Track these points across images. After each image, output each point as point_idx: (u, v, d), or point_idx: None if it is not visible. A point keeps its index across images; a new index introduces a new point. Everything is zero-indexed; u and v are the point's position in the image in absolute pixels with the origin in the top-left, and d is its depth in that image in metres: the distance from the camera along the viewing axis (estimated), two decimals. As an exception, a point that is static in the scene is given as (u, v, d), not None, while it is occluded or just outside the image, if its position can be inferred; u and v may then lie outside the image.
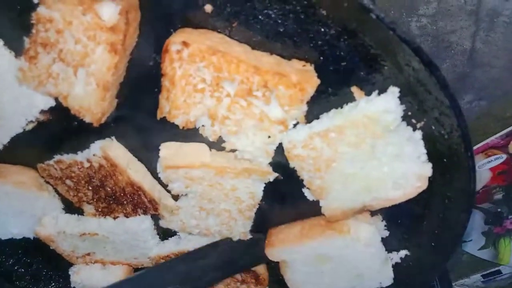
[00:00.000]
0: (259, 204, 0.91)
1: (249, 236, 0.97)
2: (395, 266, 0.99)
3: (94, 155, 0.86)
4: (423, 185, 0.79)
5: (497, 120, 1.52)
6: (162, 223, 0.98)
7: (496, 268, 1.51)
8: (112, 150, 0.85)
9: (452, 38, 1.29)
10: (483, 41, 1.28)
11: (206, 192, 0.87)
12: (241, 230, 0.95)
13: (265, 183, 0.87)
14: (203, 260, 0.98)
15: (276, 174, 0.85)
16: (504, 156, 1.47)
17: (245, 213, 0.91)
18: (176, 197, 0.93)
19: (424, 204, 0.89)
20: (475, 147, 1.38)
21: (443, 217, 0.87)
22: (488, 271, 1.55)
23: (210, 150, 0.85)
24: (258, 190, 0.87)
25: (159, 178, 0.89)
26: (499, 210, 1.44)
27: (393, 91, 0.71)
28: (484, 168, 1.53)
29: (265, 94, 0.72)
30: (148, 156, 0.90)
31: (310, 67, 0.73)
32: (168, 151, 0.85)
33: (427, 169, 0.77)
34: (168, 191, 0.91)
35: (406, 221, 0.94)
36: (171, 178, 0.86)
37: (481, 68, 1.35)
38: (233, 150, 0.81)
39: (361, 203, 0.84)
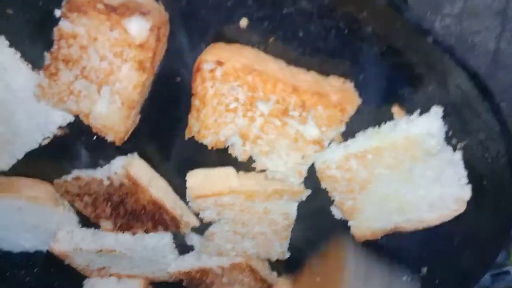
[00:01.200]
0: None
1: (288, 255, 0.94)
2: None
3: (115, 173, 0.81)
4: (460, 208, 0.76)
5: (517, 122, 1.49)
6: (199, 249, 0.95)
7: (505, 269, 1.49)
8: (134, 168, 0.81)
9: (476, 39, 1.24)
10: (509, 42, 1.23)
11: (239, 217, 0.84)
12: (278, 250, 0.92)
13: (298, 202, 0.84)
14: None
15: (309, 192, 0.81)
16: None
17: (281, 234, 0.87)
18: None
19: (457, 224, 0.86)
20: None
21: (475, 239, 0.84)
22: (496, 272, 1.53)
23: (238, 172, 0.81)
24: (292, 210, 0.84)
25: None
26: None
27: (437, 112, 0.68)
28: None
29: (302, 114, 0.68)
30: (170, 172, 0.86)
31: (350, 84, 0.69)
32: (195, 179, 0.81)
33: (467, 192, 0.74)
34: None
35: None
36: (201, 207, 0.83)
37: (504, 69, 1.30)
38: (264, 170, 0.77)
39: (393, 223, 0.81)
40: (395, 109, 0.71)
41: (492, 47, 1.27)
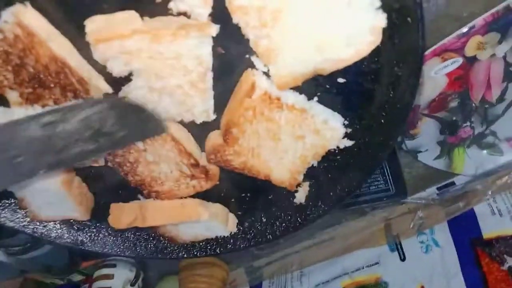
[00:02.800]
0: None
1: (213, 117, 0.90)
2: (344, 150, 0.97)
3: (5, 22, 0.75)
4: (376, 39, 0.73)
5: (455, 20, 1.48)
6: None
7: (450, 180, 1.53)
8: (27, 16, 0.74)
9: None
10: None
11: (150, 67, 0.79)
12: (201, 109, 0.87)
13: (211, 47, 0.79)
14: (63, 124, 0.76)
15: (217, 26, 0.76)
16: (461, 60, 1.43)
17: (199, 85, 0.83)
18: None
19: (373, 77, 0.85)
20: (431, 49, 1.34)
21: (393, 87, 0.83)
22: (442, 184, 1.57)
23: (143, 18, 0.76)
24: (205, 53, 0.79)
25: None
26: (454, 118, 1.44)
27: None
28: (441, 74, 1.51)
29: None
30: (74, 31, 0.80)
31: None
32: (96, 24, 0.75)
33: (381, 19, 0.71)
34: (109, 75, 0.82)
35: (355, 100, 0.90)
36: (106, 55, 0.76)
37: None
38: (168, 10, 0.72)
39: (312, 66, 0.78)
40: None
41: None
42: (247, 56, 0.83)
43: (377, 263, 1.56)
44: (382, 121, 0.89)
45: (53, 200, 1.04)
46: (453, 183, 1.53)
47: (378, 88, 0.86)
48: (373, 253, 1.59)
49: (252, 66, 0.84)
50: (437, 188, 1.56)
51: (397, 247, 1.59)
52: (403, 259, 1.54)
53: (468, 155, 1.41)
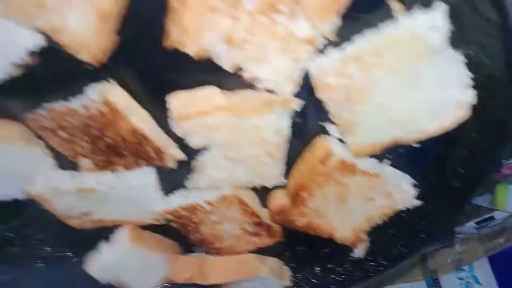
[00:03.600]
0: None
1: (284, 181, 0.90)
2: (411, 209, 0.96)
3: (91, 100, 0.75)
4: (464, 113, 0.72)
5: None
6: (189, 184, 0.90)
7: (490, 215, 1.51)
8: (112, 93, 0.75)
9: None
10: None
11: (228, 139, 0.79)
12: (273, 174, 0.87)
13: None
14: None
15: (300, 102, 0.76)
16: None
17: (275, 154, 0.82)
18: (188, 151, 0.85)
19: (450, 143, 0.84)
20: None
21: (470, 154, 0.83)
22: (481, 218, 1.55)
23: (223, 93, 0.77)
24: (284, 126, 0.79)
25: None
26: (497, 156, 1.43)
27: (439, 6, 0.63)
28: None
29: (291, 7, 0.63)
30: (153, 103, 0.81)
31: None
32: (178, 100, 0.76)
33: (470, 96, 0.71)
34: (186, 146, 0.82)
35: (428, 163, 0.90)
36: (186, 130, 0.77)
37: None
38: (252, 86, 0.73)
39: (392, 137, 0.78)
40: (394, 4, 0.66)
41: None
42: (321, 123, 0.83)
43: (413, 298, 1.52)
44: (455, 185, 0.89)
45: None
46: (492, 218, 1.51)
47: (453, 154, 0.86)
48: (409, 289, 1.56)
49: (326, 132, 0.84)
50: (476, 223, 1.54)
51: (435, 283, 1.56)
52: (441, 295, 1.52)
53: (512, 191, 1.40)
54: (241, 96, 0.76)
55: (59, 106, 0.79)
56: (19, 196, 0.98)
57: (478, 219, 1.54)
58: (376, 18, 0.68)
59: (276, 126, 0.78)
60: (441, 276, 1.53)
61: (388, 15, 0.67)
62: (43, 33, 0.68)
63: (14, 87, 0.77)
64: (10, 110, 0.84)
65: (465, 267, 1.52)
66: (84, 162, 0.89)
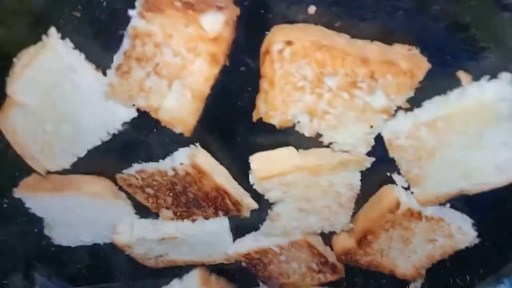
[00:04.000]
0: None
1: (351, 226, 0.96)
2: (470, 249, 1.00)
3: (181, 163, 0.83)
4: None
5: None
6: (263, 231, 0.97)
7: None
8: (199, 157, 0.83)
9: None
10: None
11: (303, 194, 0.85)
12: (343, 221, 0.94)
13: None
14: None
15: (373, 159, 0.82)
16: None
17: (346, 205, 0.89)
18: (258, 197, 0.92)
19: (509, 187, 0.89)
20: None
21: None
22: None
23: (298, 151, 0.84)
24: (356, 180, 0.85)
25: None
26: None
27: (506, 78, 0.68)
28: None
29: (371, 85, 0.69)
30: (230, 158, 0.89)
31: (416, 51, 0.68)
32: (259, 162, 0.82)
33: None
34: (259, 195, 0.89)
35: (487, 205, 0.94)
36: (267, 188, 0.84)
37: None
38: (330, 144, 0.79)
39: (458, 188, 0.82)
40: (461, 75, 0.71)
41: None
42: (388, 173, 0.89)
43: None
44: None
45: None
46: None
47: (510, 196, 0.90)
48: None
49: (393, 182, 0.90)
50: None
51: None
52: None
53: None
54: (317, 155, 0.82)
55: (150, 167, 0.86)
56: (100, 241, 1.07)
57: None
58: (445, 86, 0.73)
59: (349, 181, 0.85)
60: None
61: (457, 84, 0.72)
62: (141, 110, 0.76)
63: (108, 149, 0.85)
64: (100, 169, 0.93)
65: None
66: (164, 212, 0.97)
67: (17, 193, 0.93)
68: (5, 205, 0.99)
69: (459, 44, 0.68)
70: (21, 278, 1.22)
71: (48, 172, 0.89)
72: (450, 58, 0.70)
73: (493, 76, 0.70)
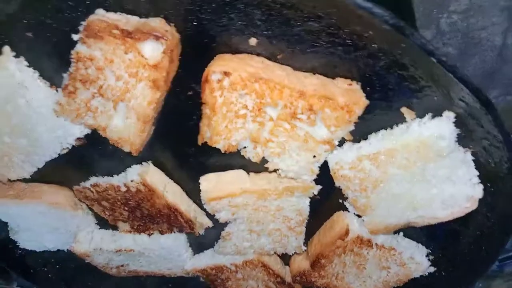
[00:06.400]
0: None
1: (304, 249, 0.97)
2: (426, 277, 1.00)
3: (131, 180, 0.85)
4: (472, 206, 0.77)
5: (523, 114, 1.51)
6: (217, 249, 0.99)
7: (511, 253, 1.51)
8: (149, 175, 0.84)
9: (482, 34, 1.25)
10: (515, 37, 1.24)
11: (253, 216, 0.87)
12: (294, 245, 0.95)
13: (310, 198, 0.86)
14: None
15: (319, 187, 0.83)
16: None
17: (296, 229, 0.90)
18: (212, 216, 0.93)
19: (462, 221, 0.89)
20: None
21: (481, 236, 0.87)
22: (504, 256, 1.55)
23: (249, 173, 0.85)
24: (304, 206, 0.86)
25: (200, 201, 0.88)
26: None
27: (448, 116, 0.69)
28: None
29: (310, 117, 0.70)
30: (183, 177, 0.90)
31: (356, 86, 0.70)
32: (208, 184, 0.84)
33: (478, 191, 0.75)
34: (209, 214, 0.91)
35: (440, 235, 0.95)
36: (216, 208, 0.85)
37: (510, 63, 1.31)
38: (276, 170, 0.80)
39: (405, 220, 0.83)
40: (405, 111, 0.72)
41: (499, 42, 1.29)
42: (340, 200, 0.90)
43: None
44: (467, 258, 0.93)
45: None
46: (513, 257, 1.51)
47: (465, 231, 0.90)
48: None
49: (345, 208, 0.90)
50: (498, 260, 1.54)
51: None
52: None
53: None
54: (266, 179, 0.83)
55: (103, 182, 0.88)
56: (63, 248, 1.09)
57: (501, 257, 1.54)
58: (390, 121, 0.74)
59: (297, 207, 0.86)
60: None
61: (401, 119, 0.73)
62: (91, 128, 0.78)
63: (61, 161, 0.87)
64: (59, 179, 0.95)
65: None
66: (122, 225, 0.99)
67: (-20, 198, 0.96)
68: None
69: (401, 81, 0.69)
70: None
71: (9, 180, 0.92)
72: (394, 95, 0.71)
73: (437, 113, 0.71)
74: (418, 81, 0.68)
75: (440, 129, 0.69)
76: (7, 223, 1.04)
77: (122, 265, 1.09)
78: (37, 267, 1.20)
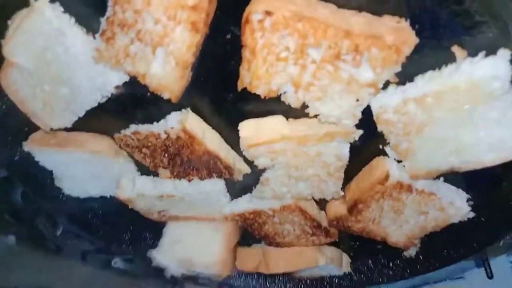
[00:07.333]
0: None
1: (342, 194, 0.97)
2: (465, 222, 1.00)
3: (171, 127, 0.85)
4: None
5: None
6: (255, 194, 0.99)
7: None
8: (189, 122, 0.84)
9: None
10: None
11: (292, 162, 0.86)
12: (332, 190, 0.94)
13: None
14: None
15: (361, 132, 0.81)
16: None
17: (334, 174, 0.89)
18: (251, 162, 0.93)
19: (506, 166, 0.86)
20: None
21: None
22: None
23: (288, 119, 0.84)
24: (344, 151, 0.85)
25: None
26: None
27: (503, 54, 0.64)
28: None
29: (356, 58, 0.67)
30: (222, 124, 0.90)
31: (405, 24, 0.65)
32: (247, 130, 0.83)
33: None
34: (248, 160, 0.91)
35: (482, 181, 0.92)
36: (255, 155, 0.85)
37: None
38: (316, 115, 0.78)
39: (448, 165, 0.81)
40: (456, 50, 0.68)
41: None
42: (380, 146, 0.88)
43: (461, 277, 1.53)
44: (508, 204, 0.91)
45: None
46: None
47: (508, 175, 0.88)
48: (457, 266, 1.55)
49: (384, 154, 0.89)
50: None
51: (484, 264, 1.52)
52: (490, 276, 1.46)
53: None
54: (305, 125, 0.82)
55: (144, 129, 0.89)
56: (106, 194, 1.13)
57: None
58: (439, 61, 0.70)
59: (337, 152, 0.84)
60: (492, 257, 1.42)
61: (450, 59, 0.69)
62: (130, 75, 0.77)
63: (102, 110, 0.88)
64: (100, 128, 0.97)
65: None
66: (163, 172, 1.01)
67: (26, 147, 0.99)
68: (17, 158, 1.05)
69: (454, 18, 0.65)
70: (44, 221, 1.33)
71: (52, 129, 0.94)
72: (444, 32, 0.67)
73: (491, 52, 0.66)
74: (472, 16, 0.63)
75: (493, 68, 0.65)
76: (51, 171, 1.09)
77: (163, 210, 1.13)
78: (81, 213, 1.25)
